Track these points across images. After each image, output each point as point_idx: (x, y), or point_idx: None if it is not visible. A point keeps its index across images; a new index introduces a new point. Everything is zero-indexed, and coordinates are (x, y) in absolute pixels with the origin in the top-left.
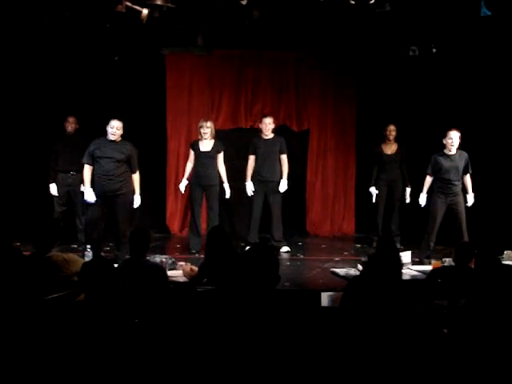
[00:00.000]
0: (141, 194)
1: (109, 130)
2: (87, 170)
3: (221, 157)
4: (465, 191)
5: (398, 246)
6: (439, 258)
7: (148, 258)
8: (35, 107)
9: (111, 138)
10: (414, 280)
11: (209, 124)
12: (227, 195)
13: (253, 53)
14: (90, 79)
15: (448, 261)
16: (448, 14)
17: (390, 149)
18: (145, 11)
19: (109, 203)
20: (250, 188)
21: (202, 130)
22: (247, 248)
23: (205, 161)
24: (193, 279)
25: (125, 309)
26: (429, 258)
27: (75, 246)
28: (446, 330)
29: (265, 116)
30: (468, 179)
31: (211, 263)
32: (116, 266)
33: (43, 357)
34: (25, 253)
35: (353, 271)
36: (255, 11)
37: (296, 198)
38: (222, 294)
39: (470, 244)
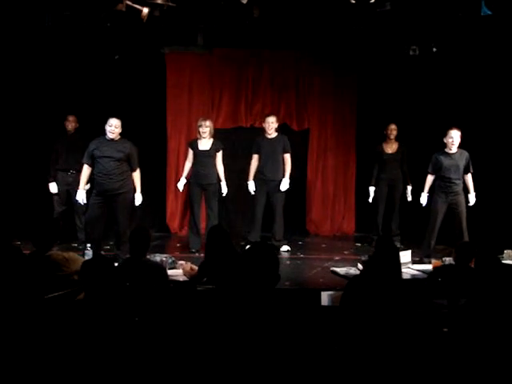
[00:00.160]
0: (141, 193)
1: (107, 128)
2: (85, 170)
3: (219, 156)
4: (466, 191)
5: (398, 245)
6: (440, 258)
7: (148, 257)
8: (36, 106)
9: (110, 136)
10: (414, 279)
11: (208, 123)
12: (224, 193)
13: (253, 52)
14: (91, 78)
15: (448, 260)
16: (448, 14)
17: (391, 148)
18: (145, 10)
19: (109, 202)
20: (252, 187)
21: (200, 129)
22: (247, 247)
23: (203, 160)
24: (193, 278)
25: (125, 308)
26: (429, 257)
27: (75, 244)
28: (446, 330)
29: (268, 115)
30: (469, 179)
31: (211, 262)
32: (116, 264)
33: (43, 356)
34: (25, 251)
35: (353, 270)
36: (255, 10)
37: (296, 197)
38: (222, 293)
39: (471, 244)
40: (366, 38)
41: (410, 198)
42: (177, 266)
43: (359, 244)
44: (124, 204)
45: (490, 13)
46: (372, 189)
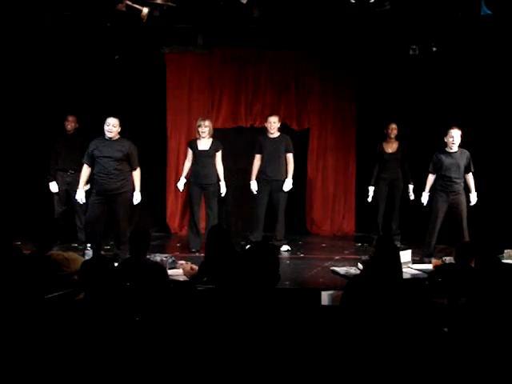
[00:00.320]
0: (141, 193)
1: (105, 127)
2: (85, 170)
3: (219, 155)
4: (467, 190)
5: (399, 244)
6: (440, 257)
7: (148, 256)
8: (35, 106)
9: (108, 135)
10: (414, 279)
11: (207, 123)
12: (223, 193)
13: (253, 52)
14: (91, 78)
15: (448, 259)
16: (448, 13)
17: (391, 147)
18: (145, 10)
19: (109, 202)
20: (254, 187)
21: (199, 129)
22: (247, 247)
23: (203, 160)
24: (193, 278)
25: (125, 307)
26: (430, 256)
27: (75, 244)
28: (446, 329)
29: (270, 115)
30: (470, 178)
31: (211, 262)
32: (116, 264)
33: (43, 356)
34: (25, 251)
35: (353, 270)
36: (255, 10)
37: (296, 196)
38: (222, 293)
39: (471, 243)
40: (366, 37)
41: (412, 197)
42: (177, 265)
43: (359, 244)
44: (124, 204)
45: (489, 12)
46: (371, 188)
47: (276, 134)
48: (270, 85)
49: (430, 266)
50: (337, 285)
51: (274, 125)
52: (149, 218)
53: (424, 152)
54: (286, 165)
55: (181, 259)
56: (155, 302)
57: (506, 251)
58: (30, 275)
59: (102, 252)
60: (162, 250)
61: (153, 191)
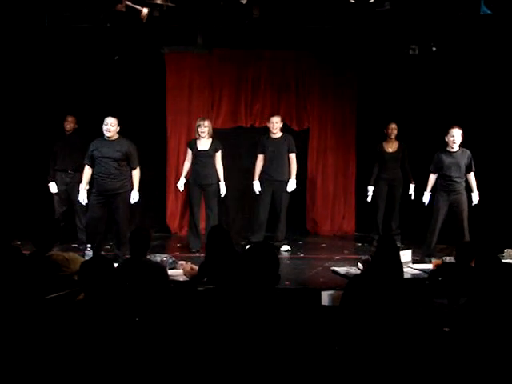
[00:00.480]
0: (141, 193)
1: (104, 127)
2: (86, 171)
3: (218, 156)
4: (469, 190)
5: (399, 244)
6: (440, 257)
7: (148, 257)
8: (35, 107)
9: (106, 134)
10: (414, 278)
11: (206, 123)
12: (222, 193)
13: (253, 52)
14: (90, 79)
15: (449, 259)
16: (448, 13)
17: (392, 147)
18: (145, 10)
19: (109, 202)
20: (257, 187)
21: (199, 129)
22: (247, 247)
23: (203, 160)
24: (193, 278)
25: (125, 308)
26: (430, 256)
27: (75, 245)
28: (446, 329)
29: (272, 115)
30: (472, 178)
31: (211, 262)
32: (116, 265)
33: (43, 356)
34: (25, 252)
35: (353, 270)
36: (255, 10)
37: (296, 196)
38: (222, 293)
39: (472, 243)
40: (366, 37)
41: (413, 197)
42: (177, 266)
43: (359, 243)
44: (124, 204)
45: (489, 12)
46: (371, 188)
47: (278, 134)
48: (270, 85)
49: (430, 266)
50: (337, 285)
51: (276, 125)
52: (149, 218)
53: (424, 152)
54: (289, 165)
55: (181, 259)
56: (155, 302)
57: (506, 251)
58: (30, 276)
59: (103, 252)
60: (162, 250)
61: (153, 192)
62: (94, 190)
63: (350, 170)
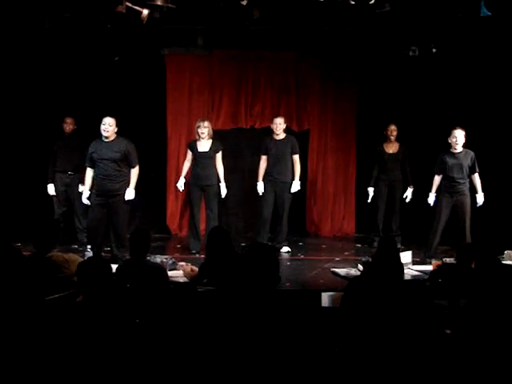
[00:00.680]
0: (141, 193)
1: (101, 127)
2: (88, 173)
3: (219, 157)
4: (474, 191)
5: (399, 245)
6: (440, 258)
7: (148, 258)
8: (35, 108)
9: (104, 134)
10: (414, 280)
11: (206, 124)
12: (223, 194)
13: (253, 53)
14: (91, 80)
15: (449, 261)
16: (448, 14)
17: (392, 148)
18: (145, 12)
19: (108, 203)
20: (261, 188)
21: (199, 130)
22: (246, 248)
23: (203, 161)
24: (193, 279)
25: (125, 309)
26: (432, 257)
27: (75, 246)
28: (448, 331)
29: (276, 116)
30: (476, 179)
31: (211, 263)
32: (116, 266)
33: (44, 357)
34: (25, 253)
35: (353, 271)
36: (255, 11)
37: (296, 197)
38: (222, 295)
39: (472, 245)
40: (366, 38)
41: (408, 199)
42: (177, 267)
43: (359, 245)
44: (123, 205)
45: (489, 13)
46: (371, 189)
47: (282, 136)
48: (270, 86)
49: (430, 268)
50: (337, 286)
51: (279, 126)
52: (149, 219)
53: (424, 153)
54: (293, 166)
55: (181, 261)
56: (155, 303)
57: (506, 252)
58: (30, 277)
59: (103, 253)
60: (162, 251)
61: (153, 193)
62: (94, 192)
63: (350, 171)
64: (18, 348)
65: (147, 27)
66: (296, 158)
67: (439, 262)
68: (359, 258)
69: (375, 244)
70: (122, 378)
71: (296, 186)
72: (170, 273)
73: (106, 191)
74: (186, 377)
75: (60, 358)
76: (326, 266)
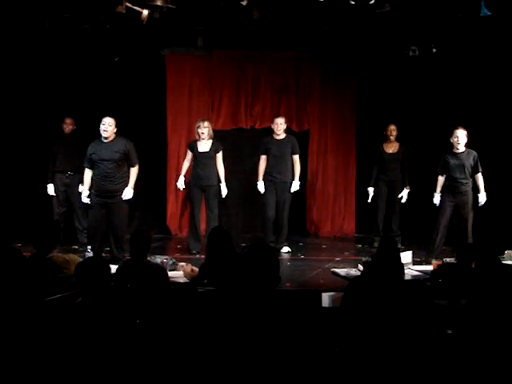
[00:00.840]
0: (141, 194)
1: (101, 127)
2: (87, 173)
3: (219, 157)
4: (476, 191)
5: (399, 245)
6: (441, 258)
7: (149, 258)
8: (35, 108)
9: (103, 134)
10: (414, 280)
11: (206, 124)
12: (223, 194)
13: (253, 53)
14: (91, 80)
15: (449, 260)
16: (448, 14)
17: (392, 148)
18: (145, 12)
19: (108, 204)
20: (261, 188)
21: (199, 130)
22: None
23: (203, 161)
24: (193, 280)
25: (125, 309)
26: (433, 257)
27: (76, 246)
28: (450, 331)
29: (277, 116)
30: (479, 178)
31: (212, 264)
32: (117, 266)
33: (44, 358)
34: (25, 254)
35: (354, 271)
36: (255, 12)
37: (296, 198)
38: (222, 295)
39: (473, 245)
40: (366, 38)
41: (403, 200)
42: (177, 267)
43: (360, 245)
44: (122, 205)
45: (489, 13)
46: (371, 189)
47: (282, 136)
48: (270, 86)
49: (430, 267)
50: (337, 286)
51: (280, 126)
52: (149, 219)
53: (424, 153)
54: (293, 166)
55: (181, 261)
56: (155, 303)
57: (506, 252)
58: (30, 277)
59: (103, 254)
60: (162, 251)
61: (153, 193)
62: (93, 192)
63: (350, 172)
64: (18, 349)
65: (147, 27)
66: (296, 158)
67: (439, 262)
68: (359, 258)
69: (375, 244)
70: (122, 379)
71: (296, 186)
72: (170, 273)
73: (106, 192)
74: (186, 377)
75: (60, 358)
76: (327, 266)
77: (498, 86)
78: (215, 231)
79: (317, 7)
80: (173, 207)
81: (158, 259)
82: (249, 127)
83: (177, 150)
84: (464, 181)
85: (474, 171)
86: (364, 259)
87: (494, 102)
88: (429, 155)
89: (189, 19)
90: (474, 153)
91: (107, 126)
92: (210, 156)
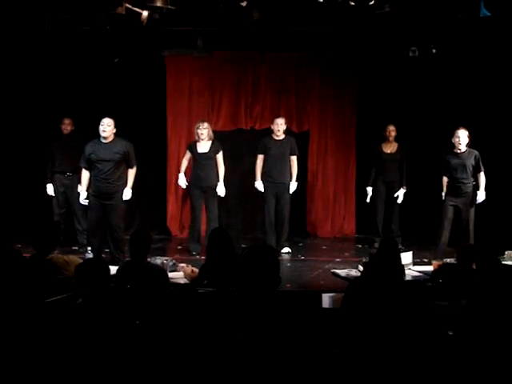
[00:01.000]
0: (140, 194)
1: (100, 127)
2: (84, 174)
3: (220, 157)
4: (477, 189)
5: (399, 246)
6: (441, 259)
7: (149, 259)
8: (35, 109)
9: (102, 134)
10: (415, 281)
11: (205, 125)
12: (221, 194)
13: (253, 54)
14: (91, 81)
15: (449, 261)
16: (447, 15)
17: (390, 148)
18: (145, 13)
19: (106, 204)
20: (260, 187)
21: (198, 131)
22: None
23: (203, 162)
24: (194, 281)
25: (125, 310)
26: (437, 258)
27: (76, 247)
28: (451, 332)
29: (277, 117)
30: (481, 177)
31: (212, 265)
32: (117, 268)
33: (44, 359)
34: (25, 255)
35: (354, 272)
36: (255, 12)
37: (296, 198)
38: (222, 296)
39: (473, 246)
40: (366, 39)
41: (399, 200)
42: (178, 268)
43: (360, 245)
44: (120, 206)
45: (489, 14)
46: (369, 189)
47: (282, 137)
48: (270, 87)
49: (430, 268)
50: (338, 287)
51: (280, 127)
52: (149, 220)
53: (424, 154)
54: (290, 167)
55: (181, 262)
56: (156, 304)
57: (506, 253)
58: (30, 278)
59: (103, 255)
60: (162, 252)
61: (153, 194)
62: (91, 193)
63: (350, 172)
64: (19, 350)
65: (147, 29)
66: (294, 159)
67: (440, 263)
68: (360, 258)
69: (375, 245)
70: (122, 380)
71: (293, 187)
72: (170, 274)
73: (104, 193)
74: (186, 378)
75: (61, 359)
76: (327, 266)
77: (498, 87)
78: (215, 232)
79: (316, 8)
80: (173, 208)
81: (159, 260)
82: (249, 128)
83: (177, 151)
84: (466, 181)
85: (476, 170)
86: (364, 260)
87: (494, 102)
88: (429, 155)
89: (188, 20)
90: (476, 152)
91: (106, 127)
92: (209, 157)
